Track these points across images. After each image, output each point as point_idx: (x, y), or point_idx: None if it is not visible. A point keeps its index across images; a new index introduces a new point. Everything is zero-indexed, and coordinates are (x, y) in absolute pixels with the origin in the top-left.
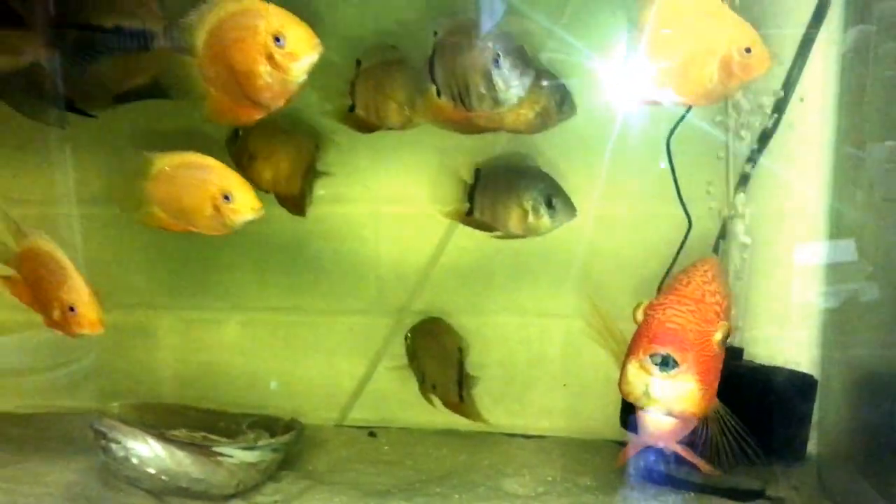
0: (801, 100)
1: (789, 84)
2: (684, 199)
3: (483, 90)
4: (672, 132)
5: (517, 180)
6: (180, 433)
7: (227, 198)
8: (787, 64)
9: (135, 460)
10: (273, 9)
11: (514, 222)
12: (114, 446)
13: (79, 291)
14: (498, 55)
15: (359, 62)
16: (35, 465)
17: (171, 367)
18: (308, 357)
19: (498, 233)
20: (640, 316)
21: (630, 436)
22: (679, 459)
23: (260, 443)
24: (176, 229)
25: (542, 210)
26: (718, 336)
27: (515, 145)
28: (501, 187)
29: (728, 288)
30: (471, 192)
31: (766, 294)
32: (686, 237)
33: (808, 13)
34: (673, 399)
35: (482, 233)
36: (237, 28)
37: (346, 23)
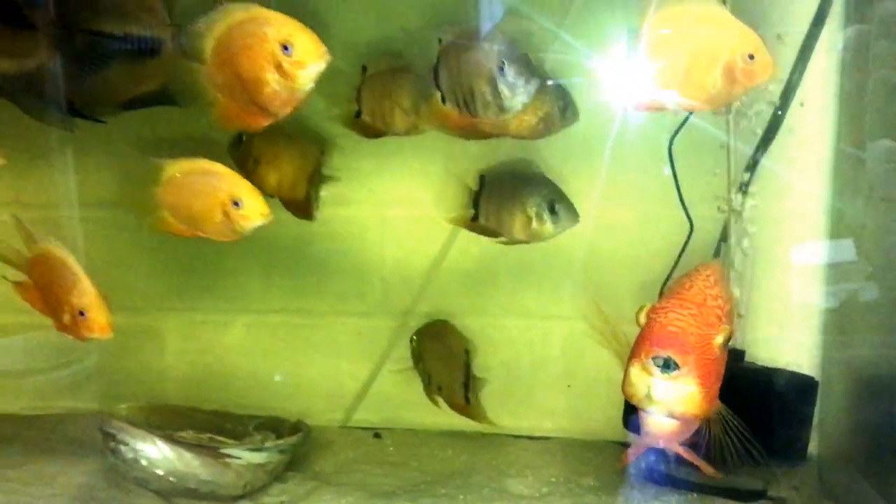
0: (801, 104)
1: (789, 89)
2: (687, 203)
3: (489, 97)
4: (674, 136)
5: (521, 187)
6: (187, 435)
7: (236, 204)
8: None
9: (143, 462)
10: (281, 17)
11: (518, 228)
12: (122, 448)
13: (89, 296)
14: (503, 63)
15: (365, 68)
16: (44, 467)
17: (177, 368)
18: (313, 359)
19: (503, 239)
20: (643, 319)
21: (633, 437)
22: (681, 460)
23: (267, 444)
24: (186, 235)
25: (546, 216)
26: (720, 339)
27: (518, 150)
28: (505, 194)
29: (730, 292)
30: (476, 199)
31: (767, 296)
32: (688, 240)
33: (807, 18)
34: (674, 401)
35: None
36: (245, 36)
37: (352, 29)
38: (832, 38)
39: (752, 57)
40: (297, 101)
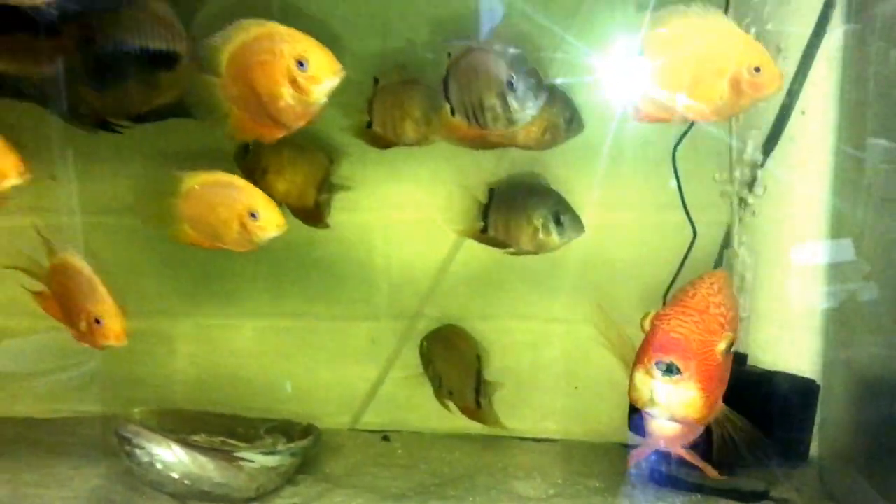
0: (803, 113)
1: (791, 95)
2: (690, 208)
3: (498, 110)
4: (677, 145)
5: (527, 199)
6: (200, 438)
7: (253, 215)
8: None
9: (159, 465)
10: (297, 34)
11: (525, 239)
12: (138, 452)
13: (105, 304)
14: (512, 77)
15: (377, 80)
16: (60, 470)
17: (187, 372)
18: (321, 362)
19: (511, 249)
20: (647, 325)
21: (638, 439)
22: (684, 462)
23: (279, 447)
24: (205, 245)
25: (552, 227)
26: (722, 346)
27: (524, 157)
28: (513, 206)
29: (735, 300)
30: (485, 211)
31: (769, 300)
32: (691, 246)
33: (809, 24)
34: (675, 404)
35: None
36: (261, 51)
37: (364, 42)
38: (833, 44)
39: (758, 69)
40: (311, 114)
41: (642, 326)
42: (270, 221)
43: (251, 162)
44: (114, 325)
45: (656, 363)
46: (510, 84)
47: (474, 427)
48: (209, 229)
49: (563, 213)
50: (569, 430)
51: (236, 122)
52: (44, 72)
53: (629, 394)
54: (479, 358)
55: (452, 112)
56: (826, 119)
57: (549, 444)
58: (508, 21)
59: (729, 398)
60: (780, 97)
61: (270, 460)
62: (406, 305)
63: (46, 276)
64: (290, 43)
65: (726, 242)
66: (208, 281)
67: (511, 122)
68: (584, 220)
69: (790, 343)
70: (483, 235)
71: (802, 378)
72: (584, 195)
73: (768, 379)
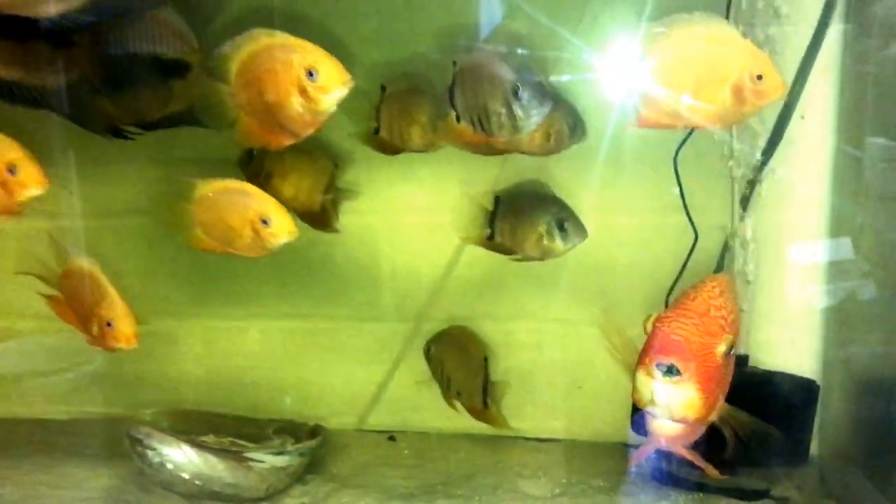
0: (802, 117)
1: (791, 100)
2: (694, 210)
3: (503, 118)
4: (679, 149)
5: (532, 206)
6: (209, 439)
7: (265, 222)
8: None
9: (170, 466)
10: (306, 44)
11: (530, 246)
12: (150, 453)
13: (115, 307)
14: (517, 86)
15: (384, 88)
16: (72, 470)
17: (195, 373)
18: (327, 363)
19: (517, 256)
20: (649, 327)
21: (640, 439)
22: (687, 462)
23: (289, 448)
24: (218, 251)
25: (556, 233)
26: (722, 348)
27: (527, 161)
28: (518, 213)
29: (736, 303)
30: (491, 219)
31: (770, 301)
32: (692, 248)
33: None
34: (675, 405)
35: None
36: (271, 61)
37: (372, 51)
38: (831, 43)
39: (760, 77)
40: (320, 122)
41: (645, 328)
42: (282, 228)
43: (255, 167)
44: (124, 328)
45: (657, 364)
46: (515, 92)
47: (479, 427)
48: (222, 235)
49: (566, 220)
50: (573, 430)
51: (245, 129)
52: (58, 81)
53: (632, 394)
54: (486, 359)
55: (458, 119)
56: (825, 119)
57: (553, 443)
58: (510, 26)
59: (730, 398)
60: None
61: (280, 460)
62: (411, 307)
63: (59, 281)
64: (300, 53)
65: (727, 245)
66: (215, 283)
67: (516, 129)
68: (587, 223)
69: (790, 343)
70: (490, 242)
71: (802, 378)
72: (587, 198)
73: (769, 379)
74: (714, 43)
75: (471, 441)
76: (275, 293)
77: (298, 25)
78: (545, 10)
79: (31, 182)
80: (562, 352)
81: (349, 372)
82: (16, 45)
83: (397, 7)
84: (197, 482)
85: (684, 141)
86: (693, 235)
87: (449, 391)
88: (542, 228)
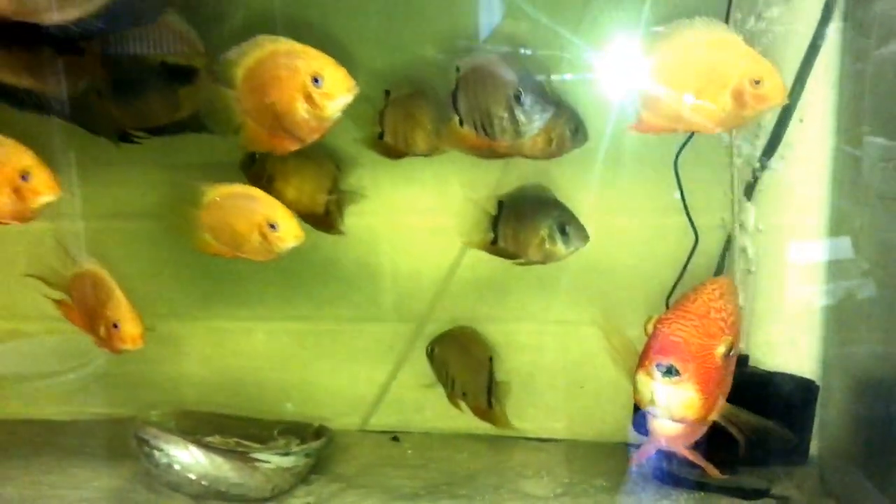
0: (801, 120)
1: (791, 98)
2: (694, 211)
3: (506, 123)
4: (679, 152)
5: (534, 211)
6: (215, 440)
7: (272, 226)
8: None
9: (177, 466)
10: (312, 51)
11: (532, 250)
12: (156, 453)
13: (121, 308)
14: (520, 91)
15: (388, 93)
16: (81, 471)
17: (200, 374)
18: (331, 365)
19: (520, 260)
20: (650, 329)
21: (641, 439)
22: (688, 461)
23: (294, 448)
24: (226, 255)
25: (557, 237)
26: (721, 349)
27: (528, 165)
28: (520, 218)
29: (737, 306)
30: (494, 223)
31: (770, 302)
32: (693, 250)
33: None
34: (675, 405)
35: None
36: (277, 67)
37: (376, 56)
38: (830, 42)
39: (758, 82)
40: (325, 128)
41: (646, 330)
42: (289, 232)
43: (257, 170)
44: (130, 330)
45: (656, 365)
46: (517, 98)
47: (481, 427)
48: (230, 240)
49: (568, 224)
50: (574, 430)
51: (250, 134)
52: (68, 88)
53: (634, 395)
54: (491, 360)
55: (461, 123)
56: (824, 119)
57: (554, 443)
58: (511, 27)
59: (731, 399)
60: None
61: (285, 461)
62: (414, 308)
63: (68, 285)
64: (306, 60)
65: (727, 247)
66: (220, 285)
67: (518, 134)
68: (588, 224)
69: (790, 344)
70: (494, 247)
71: (802, 379)
72: (588, 200)
73: (769, 380)
74: (715, 47)
75: (473, 441)
76: (279, 295)
77: (301, 31)
78: (545, 12)
79: (44, 189)
80: (563, 353)
81: (353, 373)
82: (26, 52)
83: (400, 12)
84: (203, 482)
85: (684, 144)
86: (693, 237)
87: (454, 391)
88: (543, 232)
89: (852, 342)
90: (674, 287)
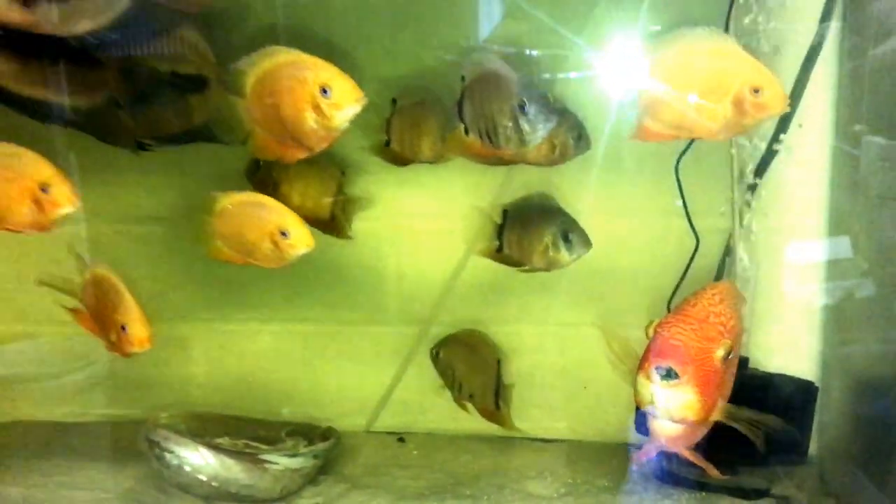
0: (800, 125)
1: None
2: (695, 214)
3: (511, 132)
4: (680, 157)
5: (538, 219)
6: (224, 441)
7: (283, 234)
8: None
9: (187, 468)
10: (321, 62)
11: (536, 257)
12: (167, 455)
13: (129, 311)
14: (524, 101)
15: (394, 101)
16: (92, 473)
17: (206, 376)
18: (337, 366)
19: (525, 267)
20: (650, 332)
21: (643, 440)
22: (688, 462)
23: (303, 450)
24: (239, 262)
25: (560, 245)
26: (720, 353)
27: (531, 169)
28: (525, 226)
29: (737, 310)
30: (499, 231)
31: (769, 304)
32: (694, 253)
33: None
34: (674, 407)
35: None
36: (287, 77)
37: (383, 65)
38: (829, 42)
39: (758, 91)
40: (333, 138)
41: (646, 333)
42: (300, 239)
43: (262, 177)
44: (137, 332)
45: (656, 368)
46: (522, 107)
47: (486, 428)
48: (242, 247)
49: (571, 231)
50: (577, 431)
51: (259, 143)
52: (85, 99)
53: (635, 397)
54: (499, 362)
55: (466, 131)
56: (823, 119)
57: (558, 444)
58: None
59: (732, 400)
60: None
61: (294, 462)
62: (418, 311)
63: (80, 292)
64: (315, 70)
65: (728, 250)
66: (228, 288)
67: (523, 142)
68: (590, 228)
69: (789, 346)
70: (498, 254)
71: (801, 380)
72: (589, 203)
73: (768, 381)
74: (715, 56)
75: (478, 442)
76: (286, 298)
77: (308, 41)
78: (548, 15)
79: (63, 201)
80: (566, 355)
81: (359, 375)
82: (41, 63)
83: (406, 21)
84: (214, 484)
85: (685, 150)
86: (694, 240)
87: (461, 393)
88: (547, 240)
89: (852, 342)
90: (675, 290)
